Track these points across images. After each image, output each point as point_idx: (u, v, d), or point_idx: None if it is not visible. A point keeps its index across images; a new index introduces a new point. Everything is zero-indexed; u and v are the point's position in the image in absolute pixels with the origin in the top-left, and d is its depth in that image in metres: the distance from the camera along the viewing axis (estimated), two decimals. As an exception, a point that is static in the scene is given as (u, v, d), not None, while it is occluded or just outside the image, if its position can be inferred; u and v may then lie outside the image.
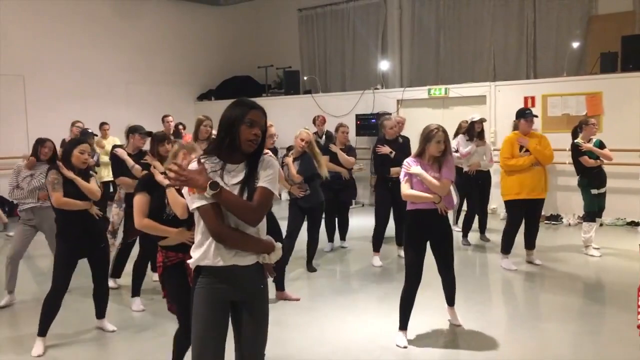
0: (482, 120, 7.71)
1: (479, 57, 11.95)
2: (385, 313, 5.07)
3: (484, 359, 4.17)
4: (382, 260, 6.96)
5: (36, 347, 4.40)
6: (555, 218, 9.48)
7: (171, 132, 8.94)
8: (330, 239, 7.83)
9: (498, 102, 10.31)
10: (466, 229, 7.91)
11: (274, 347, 4.46)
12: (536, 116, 6.64)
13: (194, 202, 2.56)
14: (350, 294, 5.91)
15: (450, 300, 4.75)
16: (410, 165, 4.39)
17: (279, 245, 2.69)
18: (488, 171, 7.85)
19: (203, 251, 2.62)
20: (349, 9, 13.75)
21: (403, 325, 4.46)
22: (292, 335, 4.73)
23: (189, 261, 2.73)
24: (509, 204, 6.59)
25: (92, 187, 4.58)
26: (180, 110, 13.02)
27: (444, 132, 4.37)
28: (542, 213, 9.67)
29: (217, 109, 14.31)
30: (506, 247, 6.65)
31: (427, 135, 4.35)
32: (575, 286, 6.03)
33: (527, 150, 6.36)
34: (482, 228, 8.10)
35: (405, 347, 4.34)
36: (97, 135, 9.14)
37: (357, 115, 11.75)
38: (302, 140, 6.08)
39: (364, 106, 11.97)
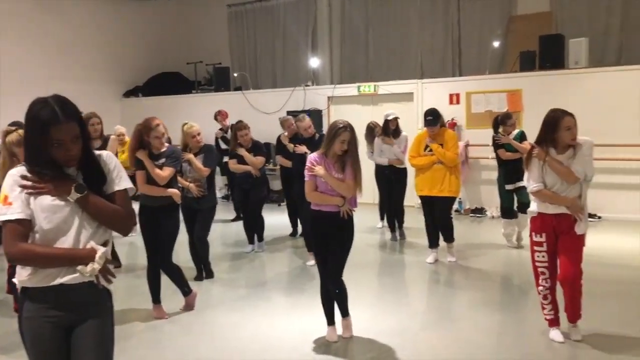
0: (396, 118, 7.79)
1: (406, 55, 12.21)
2: (315, 311, 5.12)
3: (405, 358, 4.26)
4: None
5: None
6: (480, 211, 9.85)
7: None
8: (251, 240, 7.63)
9: (425, 99, 10.58)
10: (391, 225, 8.07)
11: (204, 348, 4.45)
12: (434, 122, 6.49)
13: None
14: (279, 294, 5.95)
15: (343, 311, 4.50)
16: (315, 164, 4.28)
17: (101, 251, 2.28)
18: (404, 168, 7.82)
19: (29, 270, 2.27)
20: (278, 6, 13.73)
21: (330, 321, 4.50)
22: (224, 334, 4.72)
23: (15, 280, 2.36)
24: (420, 200, 6.81)
25: None
26: (106, 108, 12.56)
27: (351, 131, 4.22)
28: (467, 206, 10.13)
29: (145, 105, 14.08)
30: (428, 241, 6.84)
31: (334, 134, 4.22)
32: (494, 279, 6.28)
33: (431, 150, 6.50)
34: (393, 225, 8.13)
35: (336, 342, 4.41)
36: None
37: (288, 112, 11.75)
38: (199, 134, 5.95)
39: (295, 103, 12.00)
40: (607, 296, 5.32)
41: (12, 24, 11.95)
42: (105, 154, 2.47)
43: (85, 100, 12.19)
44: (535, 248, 4.25)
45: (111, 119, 10.91)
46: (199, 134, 5.95)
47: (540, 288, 4.28)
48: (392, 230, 8.04)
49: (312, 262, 6.68)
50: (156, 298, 5.15)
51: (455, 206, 10.12)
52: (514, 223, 7.25)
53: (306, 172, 4.30)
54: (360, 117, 9.60)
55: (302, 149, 6.59)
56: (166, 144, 5.10)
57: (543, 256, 4.22)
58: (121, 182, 2.42)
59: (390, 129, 7.77)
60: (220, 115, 10.06)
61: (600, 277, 5.81)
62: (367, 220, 8.84)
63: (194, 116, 9.83)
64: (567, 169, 4.04)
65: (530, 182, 4.20)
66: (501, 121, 7.14)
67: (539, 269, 4.26)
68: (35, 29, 12.36)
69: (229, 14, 14.50)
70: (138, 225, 5.04)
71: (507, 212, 7.23)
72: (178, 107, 12.94)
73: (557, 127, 4.06)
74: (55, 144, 2.23)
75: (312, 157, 4.34)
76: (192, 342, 4.58)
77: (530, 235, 4.30)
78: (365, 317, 4.93)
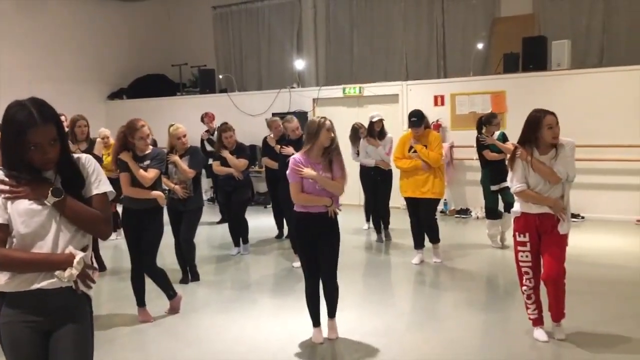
0: (381, 120, 7.80)
1: (391, 57, 12.26)
2: (301, 312, 5.12)
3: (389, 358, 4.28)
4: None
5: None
6: (465, 212, 9.90)
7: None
8: (236, 243, 7.56)
9: (410, 101, 10.62)
10: (376, 226, 8.11)
11: (189, 351, 4.44)
12: (419, 124, 6.51)
13: None
14: (265, 296, 5.95)
15: (331, 312, 4.50)
16: (301, 166, 4.18)
17: (79, 257, 2.25)
18: (390, 169, 7.83)
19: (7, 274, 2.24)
20: (263, 8, 13.72)
21: (315, 322, 4.50)
22: (210, 337, 4.70)
23: None
24: (405, 201, 6.84)
25: None
26: (90, 110, 12.43)
27: (331, 122, 4.22)
28: (452, 207, 10.18)
29: (130, 108, 13.99)
30: (413, 242, 6.85)
31: (317, 127, 4.16)
32: (479, 280, 6.33)
33: (415, 151, 6.52)
34: (379, 226, 8.15)
35: (321, 343, 4.41)
36: None
37: (273, 114, 11.73)
38: (185, 136, 5.93)
39: (280, 105, 11.99)
40: (591, 295, 5.38)
41: (-7, 25, 11.82)
42: (84, 157, 2.42)
43: (69, 103, 12.23)
44: (519, 248, 4.27)
45: (96, 121, 10.79)
46: (184, 136, 5.92)
47: (524, 288, 4.31)
48: (378, 231, 8.07)
49: (298, 263, 6.58)
50: (141, 301, 5.10)
51: (441, 207, 10.19)
52: (498, 223, 7.28)
53: (291, 175, 4.22)
54: (345, 119, 9.62)
55: (289, 150, 6.56)
56: (150, 146, 5.07)
57: (527, 256, 4.23)
58: (100, 185, 2.37)
59: (375, 131, 7.79)
60: (207, 117, 10.04)
61: (584, 276, 5.87)
62: (352, 221, 8.86)
63: (179, 118, 9.79)
64: (549, 169, 4.06)
65: (513, 182, 4.21)
66: (486, 121, 7.16)
67: (523, 269, 4.28)
68: (18, 30, 12.24)
69: (214, 16, 14.46)
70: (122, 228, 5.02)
71: (492, 213, 7.27)
72: (163, 109, 12.88)
73: (538, 126, 4.07)
74: (32, 147, 2.19)
75: (296, 158, 4.24)
76: (178, 345, 4.56)
77: (514, 235, 4.30)
78: (351, 318, 4.94)
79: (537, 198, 4.12)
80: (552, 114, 4.10)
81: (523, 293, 4.34)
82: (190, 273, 6.30)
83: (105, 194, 2.38)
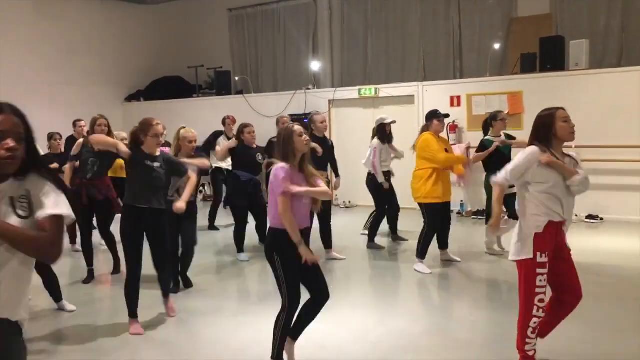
0: (393, 122, 7.67)
1: (408, 58, 12.23)
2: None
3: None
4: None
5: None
6: (481, 213, 9.83)
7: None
8: (242, 248, 7.34)
9: (426, 102, 10.59)
10: (375, 232, 7.80)
11: (207, 345, 4.45)
12: (447, 115, 6.66)
13: None
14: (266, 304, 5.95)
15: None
16: (287, 181, 3.64)
17: None
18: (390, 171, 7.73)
19: None
20: (279, 9, 13.76)
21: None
22: (225, 336, 4.72)
23: None
24: (429, 208, 6.42)
25: None
26: (107, 112, 12.46)
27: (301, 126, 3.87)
28: (469, 209, 10.14)
29: (146, 110, 14.12)
30: (423, 251, 6.51)
31: (289, 133, 3.76)
32: (495, 281, 6.29)
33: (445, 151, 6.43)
34: (395, 228, 8.10)
35: None
36: None
37: (290, 115, 11.77)
38: (195, 141, 5.88)
39: (296, 106, 12.01)
40: (611, 297, 5.32)
41: (13, 29, 11.98)
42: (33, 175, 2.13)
43: (87, 105, 12.39)
44: (539, 271, 3.54)
45: (113, 123, 10.80)
46: (195, 141, 5.89)
47: (535, 320, 3.61)
48: (394, 231, 8.02)
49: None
50: (134, 312, 4.87)
51: (457, 208, 10.16)
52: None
53: (282, 185, 3.63)
54: (361, 120, 9.62)
55: (319, 149, 6.37)
56: (160, 148, 4.92)
57: (544, 279, 3.56)
58: (59, 206, 2.07)
59: (385, 134, 7.61)
60: (229, 119, 9.78)
61: (602, 278, 5.80)
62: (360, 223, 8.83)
63: (195, 120, 9.88)
64: (574, 170, 3.63)
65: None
66: (492, 118, 6.98)
67: (538, 297, 3.56)
68: (37, 34, 12.40)
69: (230, 18, 14.53)
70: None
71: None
72: (179, 111, 12.96)
73: (552, 121, 3.61)
74: None
75: (285, 168, 3.70)
76: (179, 356, 4.54)
77: (535, 256, 3.54)
78: (365, 320, 4.95)
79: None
80: (563, 108, 3.72)
81: (529, 327, 3.63)
82: (183, 280, 6.10)
83: (62, 217, 2.06)
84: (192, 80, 14.21)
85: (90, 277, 6.53)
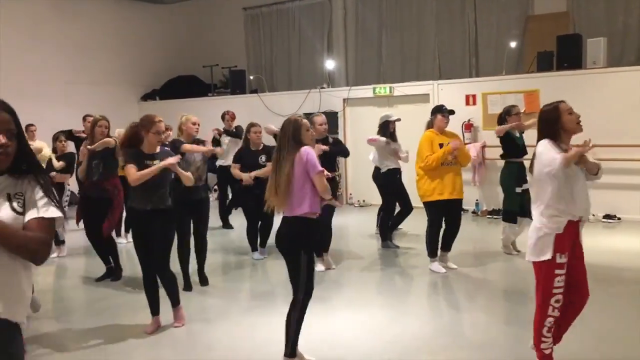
0: (397, 120, 7.61)
1: (423, 56, 12.17)
2: (326, 316, 5.11)
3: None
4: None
5: None
6: (497, 213, 9.75)
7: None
8: (256, 247, 7.33)
9: (441, 100, 10.51)
10: (386, 230, 7.69)
11: (222, 344, 4.46)
12: (453, 112, 6.51)
13: None
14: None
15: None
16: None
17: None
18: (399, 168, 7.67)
19: None
20: (294, 8, 13.76)
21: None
22: (242, 335, 4.73)
23: None
24: (430, 206, 6.30)
25: None
26: (123, 111, 12.72)
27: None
28: (484, 208, 10.06)
29: (162, 109, 14.17)
30: (431, 250, 6.43)
31: (300, 126, 3.90)
32: (510, 282, 6.24)
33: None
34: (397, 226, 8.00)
35: None
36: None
37: (304, 114, 11.77)
38: (198, 124, 5.92)
39: (310, 105, 12.00)
40: (629, 297, 5.26)
41: (30, 27, 12.11)
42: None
43: (104, 104, 12.49)
44: (557, 272, 3.49)
45: (129, 122, 10.90)
46: (199, 124, 5.93)
47: (550, 320, 3.58)
48: (387, 237, 7.79)
49: (320, 267, 6.46)
50: (156, 310, 4.86)
51: (473, 208, 10.10)
52: (516, 228, 6.91)
53: (316, 166, 3.79)
54: (376, 119, 9.56)
55: (323, 148, 6.34)
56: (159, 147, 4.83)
57: (563, 280, 3.52)
58: (50, 210, 2.07)
59: (388, 131, 7.54)
60: (228, 115, 9.80)
61: (621, 278, 5.74)
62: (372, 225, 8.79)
63: (210, 119, 9.90)
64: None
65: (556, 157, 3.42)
66: (506, 112, 6.93)
67: (555, 297, 3.52)
68: (54, 33, 12.52)
69: (244, 17, 14.56)
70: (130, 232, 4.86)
71: (513, 216, 6.84)
72: (194, 109, 12.85)
73: (557, 114, 3.53)
74: None
75: (312, 150, 3.90)
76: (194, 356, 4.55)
77: (554, 257, 3.47)
78: (379, 320, 4.93)
79: (570, 156, 3.41)
80: (564, 101, 3.63)
81: (544, 326, 3.60)
82: (199, 277, 6.08)
83: (53, 220, 2.08)
84: (207, 79, 14.26)
85: (107, 275, 6.51)
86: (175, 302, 4.91)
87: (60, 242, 7.59)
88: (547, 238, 3.48)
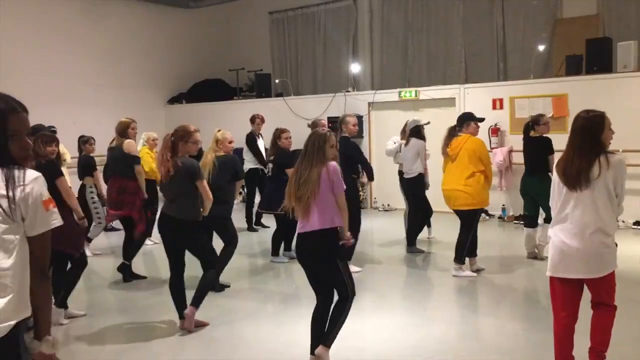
0: (427, 124, 7.78)
1: (449, 60, 12.10)
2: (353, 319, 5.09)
3: None
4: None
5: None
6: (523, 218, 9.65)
7: None
8: (278, 252, 7.39)
9: (467, 104, 10.44)
10: (414, 235, 7.69)
11: (246, 346, 4.48)
12: (483, 120, 6.63)
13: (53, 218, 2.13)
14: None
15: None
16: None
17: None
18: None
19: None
20: (320, 12, 13.80)
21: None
22: (267, 337, 4.74)
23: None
24: (473, 214, 6.30)
25: None
26: (150, 114, 12.92)
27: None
28: (511, 213, 9.94)
29: (188, 112, 14.32)
30: (464, 256, 6.35)
31: (325, 142, 3.92)
32: (537, 289, 6.14)
33: None
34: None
35: None
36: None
37: (329, 118, 11.78)
38: (233, 141, 5.98)
39: (335, 109, 12.00)
40: None
41: (60, 32, 12.33)
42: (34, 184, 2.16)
43: (131, 107, 12.66)
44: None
45: (156, 125, 11.12)
46: (233, 141, 6.00)
47: None
48: (414, 242, 7.77)
49: (356, 268, 6.52)
50: (178, 313, 4.93)
51: (499, 213, 10.00)
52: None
53: (342, 184, 3.93)
54: (401, 123, 9.52)
55: None
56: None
57: None
58: (50, 219, 2.14)
59: (422, 134, 7.69)
60: (258, 118, 9.87)
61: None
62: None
63: (235, 122, 9.98)
64: None
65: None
66: (534, 122, 6.88)
67: None
68: (83, 38, 12.73)
69: (270, 21, 14.64)
70: (158, 234, 4.97)
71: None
72: (220, 113, 13.11)
73: (603, 126, 3.45)
74: (12, 135, 2.05)
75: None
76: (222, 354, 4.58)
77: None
78: (405, 324, 4.91)
79: None
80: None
81: None
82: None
83: (48, 232, 2.14)
84: (233, 82, 14.37)
85: (126, 275, 6.57)
86: (196, 302, 4.90)
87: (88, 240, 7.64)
88: (614, 249, 3.50)
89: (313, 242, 3.91)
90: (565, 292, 3.51)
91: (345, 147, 6.07)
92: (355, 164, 6.73)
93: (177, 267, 4.90)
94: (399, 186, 8.04)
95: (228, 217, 5.81)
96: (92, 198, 7.56)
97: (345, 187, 3.93)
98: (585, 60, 9.59)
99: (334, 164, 3.91)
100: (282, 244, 7.42)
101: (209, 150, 5.91)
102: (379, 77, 13.01)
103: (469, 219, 6.31)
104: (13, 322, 2.02)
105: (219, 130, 6.03)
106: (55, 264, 5.03)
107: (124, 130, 6.61)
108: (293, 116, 12.11)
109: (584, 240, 3.39)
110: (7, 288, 2.02)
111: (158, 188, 7.29)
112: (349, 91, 12.26)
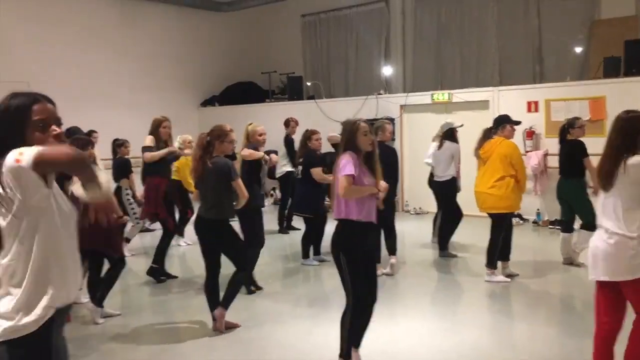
0: (460, 126, 7.79)
1: (483, 62, 11.96)
2: (390, 320, 5.06)
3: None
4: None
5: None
6: (559, 223, 9.46)
7: None
8: (308, 254, 7.38)
9: (501, 107, 10.29)
10: (447, 240, 7.62)
11: (277, 348, 4.49)
12: (519, 123, 6.52)
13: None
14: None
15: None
16: (351, 165, 3.70)
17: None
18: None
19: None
20: (352, 15, 13.78)
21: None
22: (296, 339, 4.74)
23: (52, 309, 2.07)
24: (502, 217, 6.21)
25: None
26: (183, 116, 13.05)
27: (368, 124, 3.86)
28: (546, 218, 9.77)
29: (221, 114, 14.45)
30: (495, 260, 6.29)
31: (356, 130, 3.78)
32: (572, 294, 6.02)
33: None
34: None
35: None
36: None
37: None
38: (264, 134, 6.13)
39: (367, 111, 11.96)
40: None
41: (97, 36, 12.58)
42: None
43: (166, 109, 12.75)
44: None
45: (190, 127, 11.22)
46: (265, 134, 6.13)
47: None
48: (446, 246, 7.71)
49: (384, 270, 6.52)
50: (211, 311, 4.96)
51: (534, 217, 9.83)
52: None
53: (348, 167, 3.68)
54: (433, 125, 9.45)
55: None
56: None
57: None
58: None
59: (455, 137, 7.71)
60: (292, 122, 9.94)
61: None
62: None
63: (267, 125, 9.95)
64: None
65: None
66: (570, 125, 6.78)
67: None
68: (119, 41, 12.97)
69: (302, 24, 14.69)
70: (195, 235, 5.03)
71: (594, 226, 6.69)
72: (252, 116, 13.08)
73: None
74: (39, 125, 2.04)
75: (351, 155, 3.76)
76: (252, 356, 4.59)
77: None
78: (435, 329, 4.87)
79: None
80: None
81: None
82: (253, 283, 6.13)
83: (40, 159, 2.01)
84: (265, 85, 14.45)
85: (157, 275, 6.66)
86: (225, 305, 4.93)
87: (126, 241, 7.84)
88: None
89: (334, 231, 3.89)
90: (605, 296, 3.40)
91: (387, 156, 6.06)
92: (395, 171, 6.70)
93: (213, 268, 4.94)
94: (430, 189, 7.99)
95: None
96: (129, 199, 7.75)
97: (348, 172, 3.67)
98: (624, 62, 9.37)
99: (345, 154, 3.76)
100: (312, 247, 7.42)
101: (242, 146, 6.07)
102: (411, 80, 12.92)
103: (497, 222, 6.23)
104: (11, 324, 1.97)
105: (250, 124, 6.12)
106: (91, 263, 5.14)
107: (156, 128, 6.64)
108: (325, 119, 12.11)
109: (606, 242, 3.32)
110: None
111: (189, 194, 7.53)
112: (380, 94, 12.21)
